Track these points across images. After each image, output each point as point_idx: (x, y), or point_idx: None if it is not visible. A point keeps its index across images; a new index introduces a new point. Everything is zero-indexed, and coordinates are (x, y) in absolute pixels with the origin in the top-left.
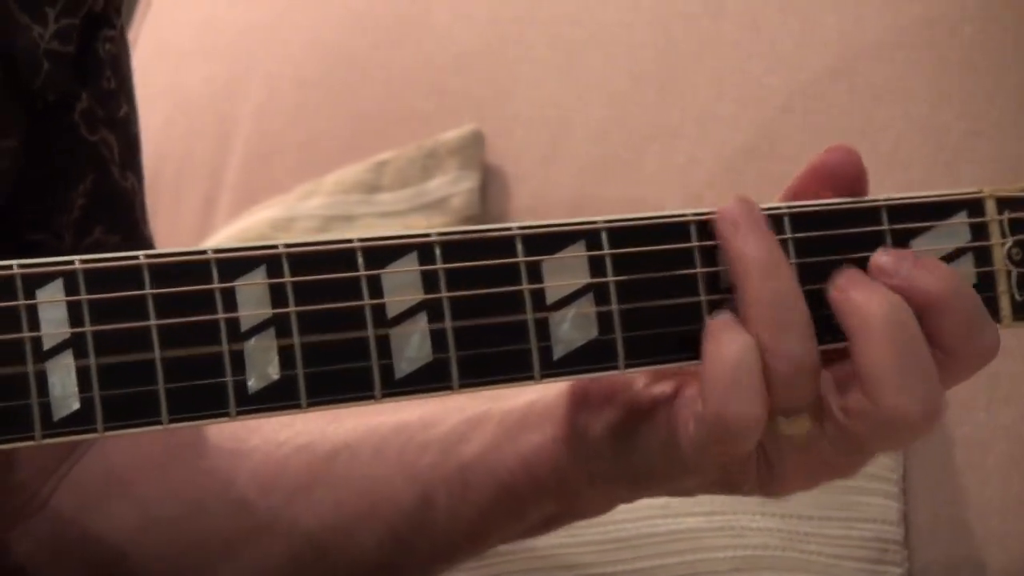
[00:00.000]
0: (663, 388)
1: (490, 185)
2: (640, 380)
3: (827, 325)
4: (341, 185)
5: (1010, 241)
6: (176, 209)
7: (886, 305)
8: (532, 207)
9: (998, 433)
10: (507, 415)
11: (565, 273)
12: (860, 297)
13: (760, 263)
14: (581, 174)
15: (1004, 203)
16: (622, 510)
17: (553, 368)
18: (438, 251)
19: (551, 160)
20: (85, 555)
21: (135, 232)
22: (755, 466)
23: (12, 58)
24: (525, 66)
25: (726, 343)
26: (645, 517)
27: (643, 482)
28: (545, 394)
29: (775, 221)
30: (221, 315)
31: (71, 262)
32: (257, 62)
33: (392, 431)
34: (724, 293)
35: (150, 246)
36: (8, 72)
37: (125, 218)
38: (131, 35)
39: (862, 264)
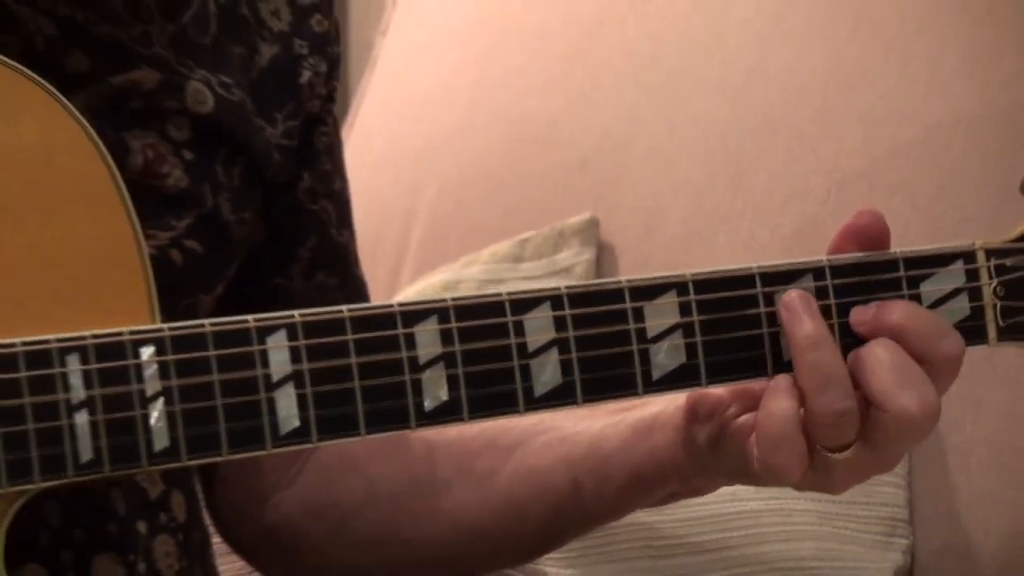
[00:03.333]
0: (745, 420)
1: (603, 257)
2: (733, 408)
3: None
4: (494, 256)
5: (995, 282)
6: (371, 275)
7: (882, 351)
8: (634, 273)
9: (980, 442)
10: (639, 421)
11: (661, 314)
12: (866, 352)
13: (808, 341)
14: (670, 249)
15: (991, 252)
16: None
17: (652, 386)
18: (566, 301)
19: (648, 239)
20: (325, 515)
21: (349, 275)
22: (813, 478)
23: (250, 153)
24: (630, 168)
25: (776, 407)
26: (718, 501)
27: (735, 478)
28: (667, 407)
29: (818, 271)
30: (404, 354)
31: (292, 316)
32: (433, 167)
33: (554, 429)
34: (779, 327)
35: (362, 283)
36: (248, 162)
37: (341, 264)
38: None
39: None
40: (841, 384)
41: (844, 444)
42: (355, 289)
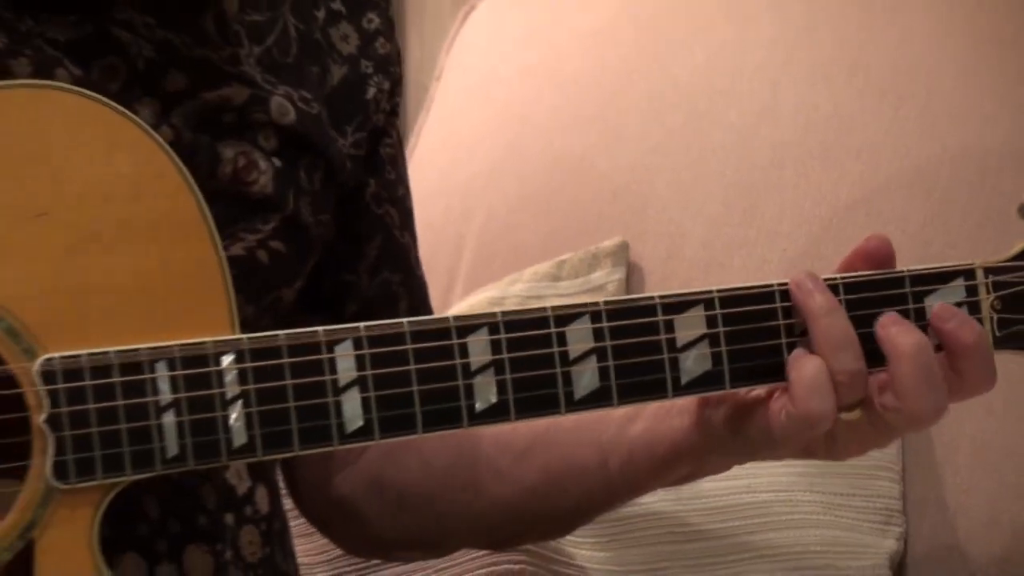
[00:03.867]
0: (759, 393)
1: (632, 277)
2: (743, 389)
3: (871, 356)
4: (535, 276)
5: (993, 296)
6: None
7: (913, 341)
8: (659, 291)
9: (965, 439)
10: (659, 408)
11: (690, 326)
12: (897, 333)
13: (823, 309)
14: (691, 269)
15: (989, 270)
16: (719, 488)
17: (681, 390)
18: (604, 314)
19: (671, 261)
20: (384, 489)
21: (410, 273)
22: (823, 442)
23: (328, 160)
24: (655, 199)
25: (806, 364)
26: (734, 492)
27: (748, 454)
28: None
29: (832, 287)
30: (458, 361)
31: (358, 327)
32: (481, 197)
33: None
34: (797, 337)
35: (423, 282)
36: (326, 170)
37: (403, 264)
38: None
39: None
40: (854, 346)
41: (853, 404)
42: (416, 287)
